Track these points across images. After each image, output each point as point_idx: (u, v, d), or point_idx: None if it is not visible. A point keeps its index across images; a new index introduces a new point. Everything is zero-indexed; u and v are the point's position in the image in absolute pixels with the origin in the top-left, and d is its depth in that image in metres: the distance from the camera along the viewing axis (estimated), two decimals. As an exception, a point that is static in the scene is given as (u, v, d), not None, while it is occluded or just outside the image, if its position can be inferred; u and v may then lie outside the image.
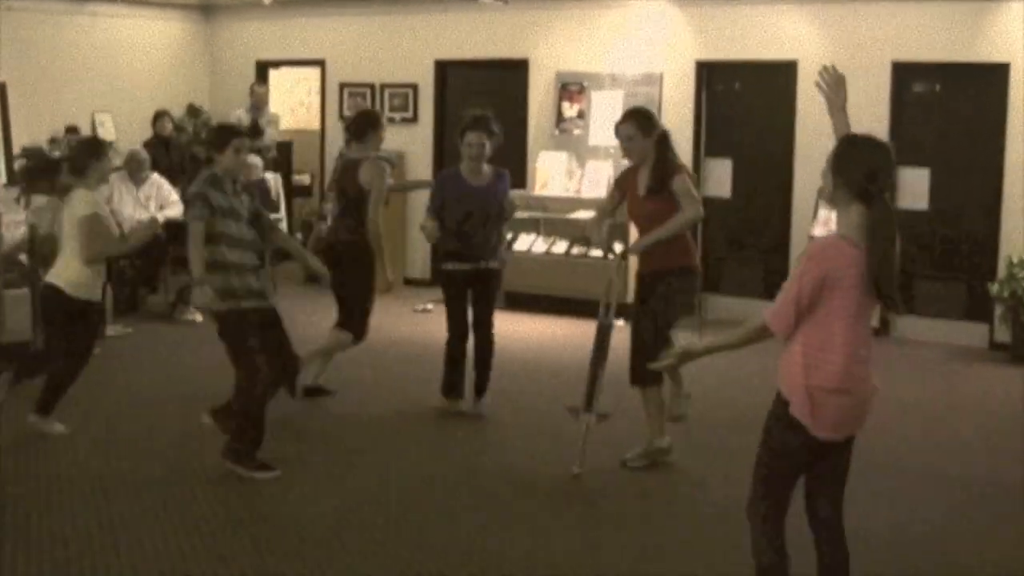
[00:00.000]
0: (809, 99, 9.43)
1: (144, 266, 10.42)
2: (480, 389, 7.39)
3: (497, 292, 7.39)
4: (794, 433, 3.75)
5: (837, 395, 3.71)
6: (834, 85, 4.35)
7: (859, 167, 3.68)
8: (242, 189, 6.08)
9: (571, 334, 9.90)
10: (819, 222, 9.50)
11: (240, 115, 12.34)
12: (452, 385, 7.37)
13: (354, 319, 7.34)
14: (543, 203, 11.03)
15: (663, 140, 6.25)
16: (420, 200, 11.40)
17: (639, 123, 6.24)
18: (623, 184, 6.43)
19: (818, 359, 3.71)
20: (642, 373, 6.14)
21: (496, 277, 7.29)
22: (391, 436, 6.90)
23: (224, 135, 6.05)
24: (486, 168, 7.16)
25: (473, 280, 7.19)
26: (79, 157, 6.60)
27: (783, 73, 10.46)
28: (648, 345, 6.03)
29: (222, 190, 5.89)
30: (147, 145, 11.55)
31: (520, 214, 11.10)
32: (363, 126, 7.39)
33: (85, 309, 6.47)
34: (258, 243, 6.02)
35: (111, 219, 6.71)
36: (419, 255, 12.47)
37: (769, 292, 9.67)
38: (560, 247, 10.97)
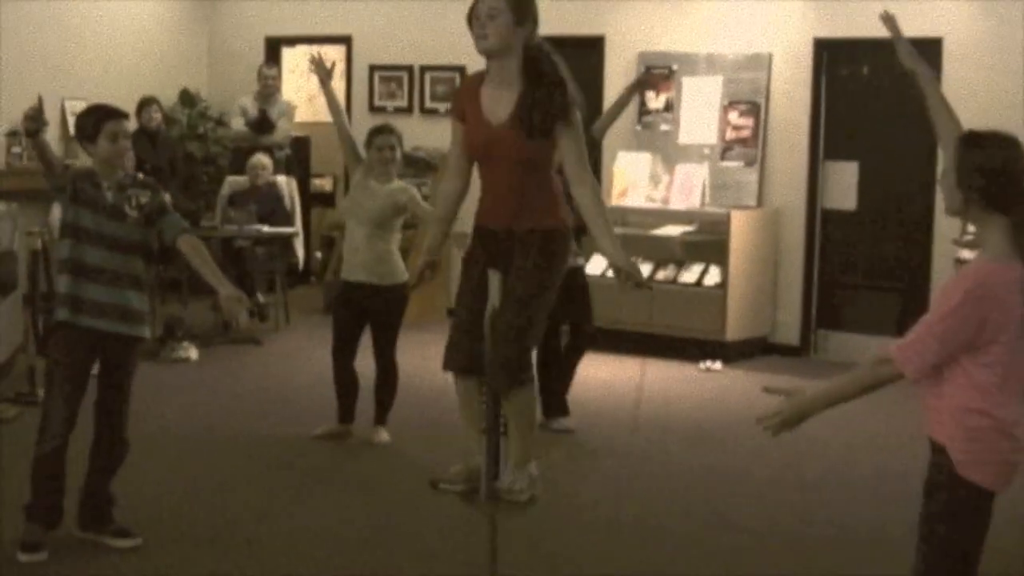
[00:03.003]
0: (958, 85, 8.90)
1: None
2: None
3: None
4: (964, 493, 3.59)
5: (1009, 439, 3.59)
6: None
7: (982, 170, 3.62)
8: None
9: (659, 378, 9.38)
10: (969, 241, 8.89)
11: (245, 104, 12.04)
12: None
13: None
14: (622, 215, 10.54)
15: (542, 51, 5.56)
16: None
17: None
18: (462, 107, 5.72)
19: (981, 399, 3.58)
20: (517, 363, 5.59)
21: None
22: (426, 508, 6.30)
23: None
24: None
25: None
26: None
27: (924, 54, 9.54)
28: (534, 319, 5.58)
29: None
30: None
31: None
32: None
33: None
34: None
35: None
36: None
37: (905, 329, 9.12)
38: (643, 270, 10.19)
